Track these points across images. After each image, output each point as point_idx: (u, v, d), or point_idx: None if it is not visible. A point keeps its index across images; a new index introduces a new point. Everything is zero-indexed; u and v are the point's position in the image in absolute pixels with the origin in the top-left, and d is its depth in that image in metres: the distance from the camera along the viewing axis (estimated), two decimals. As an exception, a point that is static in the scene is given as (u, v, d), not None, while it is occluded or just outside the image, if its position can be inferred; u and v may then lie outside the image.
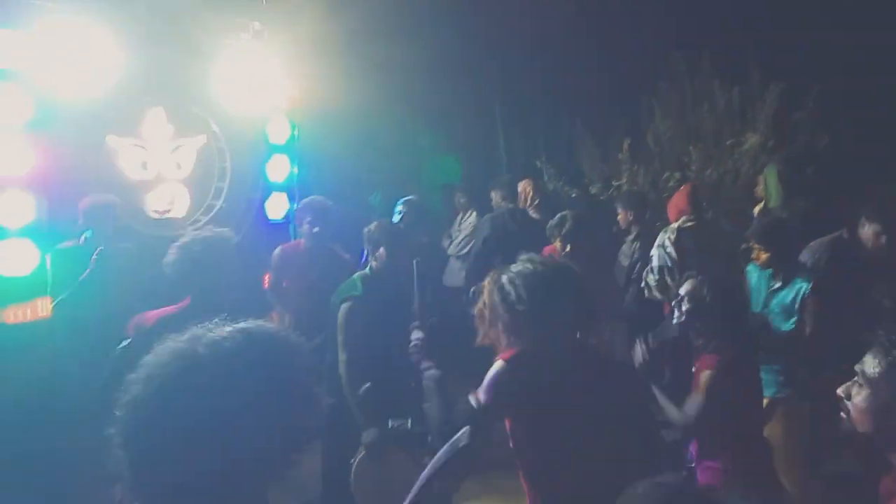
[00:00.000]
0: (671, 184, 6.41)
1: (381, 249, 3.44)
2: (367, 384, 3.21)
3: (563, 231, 4.16)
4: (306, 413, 1.18)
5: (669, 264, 4.37)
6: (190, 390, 1.09)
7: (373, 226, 3.58)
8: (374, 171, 7.24)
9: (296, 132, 5.59)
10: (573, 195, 6.77)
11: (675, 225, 4.52)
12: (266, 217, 5.41)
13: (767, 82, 5.97)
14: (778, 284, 3.65)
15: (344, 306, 3.35)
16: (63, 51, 4.10)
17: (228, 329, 1.17)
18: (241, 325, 1.18)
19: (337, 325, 3.36)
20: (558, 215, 4.29)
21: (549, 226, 4.26)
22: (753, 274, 3.84)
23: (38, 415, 3.62)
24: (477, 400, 2.01)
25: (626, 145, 6.42)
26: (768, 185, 4.67)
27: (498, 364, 2.04)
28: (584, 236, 4.19)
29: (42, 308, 4.11)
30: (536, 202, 5.31)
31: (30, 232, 4.05)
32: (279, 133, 5.45)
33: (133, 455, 1.09)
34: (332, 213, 4.44)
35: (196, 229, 4.95)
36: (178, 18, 4.78)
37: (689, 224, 4.45)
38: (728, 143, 6.27)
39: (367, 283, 3.42)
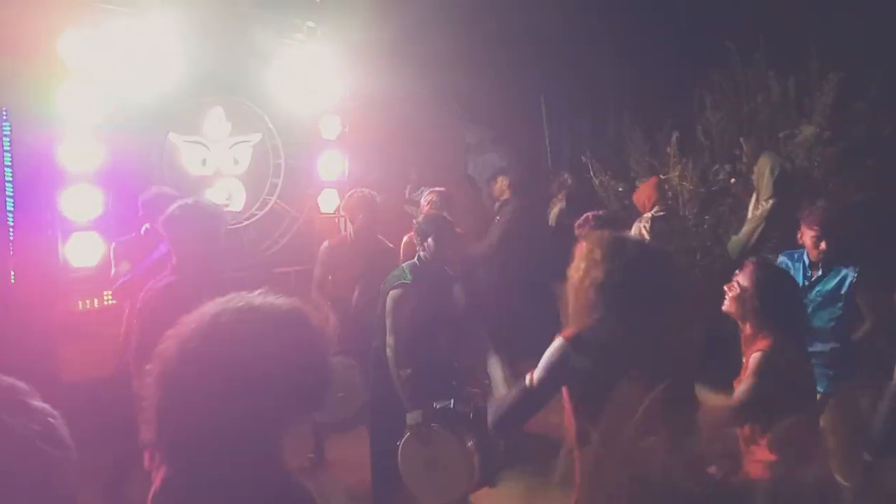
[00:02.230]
0: (721, 177, 6.30)
1: (430, 240, 3.51)
2: (409, 370, 3.36)
3: (586, 231, 4.18)
4: (317, 377, 1.29)
5: None
6: (215, 353, 1.21)
7: (422, 217, 3.66)
8: (421, 166, 7.32)
9: (346, 128, 5.70)
10: (619, 189, 6.71)
11: (648, 215, 4.98)
12: (319, 211, 5.53)
13: (826, 71, 5.79)
14: (819, 273, 3.58)
15: (393, 293, 3.47)
16: (128, 51, 4.29)
17: (252, 299, 1.29)
18: (261, 295, 1.31)
19: (385, 310, 3.46)
20: (583, 215, 4.31)
21: (576, 224, 4.29)
22: (788, 264, 3.76)
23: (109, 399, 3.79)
24: (531, 380, 2.04)
25: (674, 138, 6.33)
26: (761, 176, 4.65)
27: (558, 342, 2.03)
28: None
29: (108, 297, 4.31)
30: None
31: (97, 225, 4.25)
32: (331, 129, 5.57)
33: (162, 401, 1.21)
34: (377, 205, 4.51)
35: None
36: (236, 19, 4.94)
37: (661, 214, 4.96)
38: (781, 134, 6.11)
39: (416, 272, 3.51)
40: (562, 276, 2.14)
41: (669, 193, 6.18)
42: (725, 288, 2.71)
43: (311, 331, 1.31)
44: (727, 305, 2.69)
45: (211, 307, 1.28)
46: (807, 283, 3.63)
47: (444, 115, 7.90)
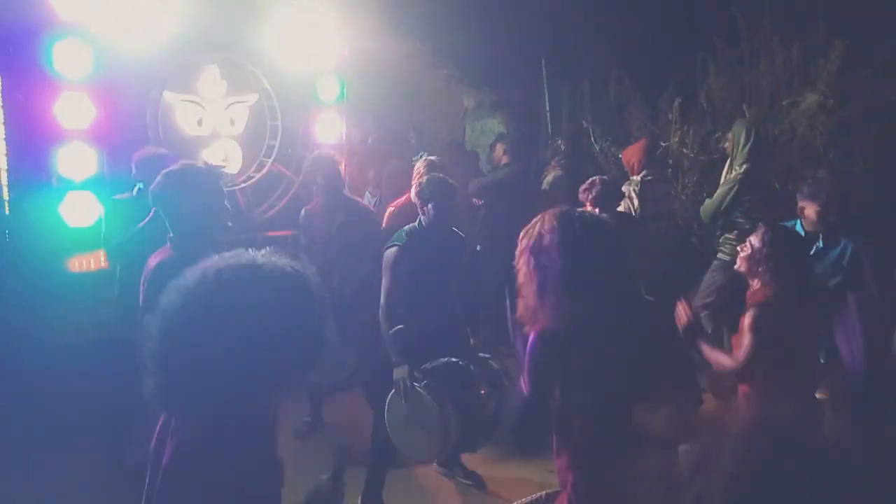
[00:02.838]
0: (722, 145, 6.25)
1: (430, 206, 3.49)
2: (400, 326, 3.41)
3: (592, 195, 4.18)
4: (313, 337, 1.33)
5: (634, 214, 4.87)
6: (217, 305, 1.23)
7: (424, 181, 3.62)
8: (420, 130, 7.23)
9: (344, 90, 5.60)
10: (620, 156, 6.66)
11: (637, 178, 5.00)
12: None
13: (831, 38, 5.71)
14: (819, 246, 3.59)
15: (388, 252, 3.51)
16: (122, 6, 4.18)
17: (253, 256, 1.31)
18: (263, 255, 1.33)
19: (383, 271, 3.48)
20: (589, 180, 4.29)
21: (580, 189, 4.28)
22: None
23: (105, 357, 3.78)
24: (525, 388, 1.99)
25: (676, 104, 6.26)
26: (736, 143, 4.68)
27: (531, 340, 1.95)
28: (612, 201, 4.26)
29: (104, 257, 4.27)
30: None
31: (91, 184, 4.19)
32: (328, 91, 5.47)
33: (163, 351, 1.23)
34: (337, 166, 4.45)
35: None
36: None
37: (650, 178, 5.00)
38: (785, 102, 6.05)
39: (413, 235, 3.51)
40: None
41: (669, 161, 6.16)
42: (738, 248, 2.79)
43: (310, 291, 1.33)
44: (739, 264, 2.76)
45: (215, 261, 1.29)
46: None
47: (443, 78, 7.78)
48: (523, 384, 2.00)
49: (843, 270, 3.55)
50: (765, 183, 4.70)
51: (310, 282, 1.34)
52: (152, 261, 2.66)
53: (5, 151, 4.14)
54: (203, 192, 2.58)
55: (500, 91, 7.90)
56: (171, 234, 2.63)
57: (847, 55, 5.62)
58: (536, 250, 1.96)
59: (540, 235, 1.98)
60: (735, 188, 4.56)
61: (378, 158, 6.22)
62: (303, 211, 4.54)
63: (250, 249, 1.35)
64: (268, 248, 1.37)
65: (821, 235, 3.61)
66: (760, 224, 2.80)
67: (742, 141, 4.68)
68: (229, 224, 2.84)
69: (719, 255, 4.72)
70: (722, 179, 4.85)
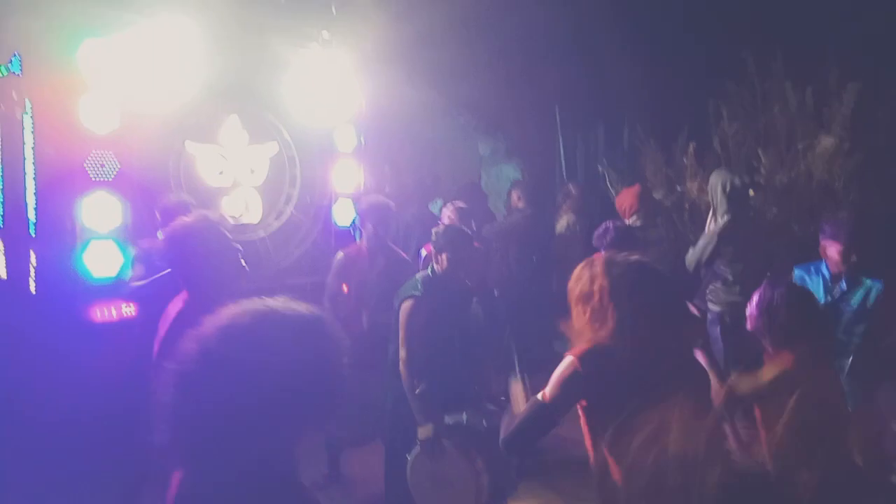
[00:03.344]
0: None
1: (444, 255, 3.49)
2: (423, 385, 3.33)
3: (607, 241, 4.16)
4: (333, 386, 1.29)
5: None
6: (234, 354, 1.21)
7: (440, 229, 3.63)
8: (436, 177, 7.31)
9: (362, 139, 5.70)
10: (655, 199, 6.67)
11: (628, 222, 5.01)
12: (335, 223, 5.52)
13: (845, 81, 5.75)
14: (843, 288, 3.51)
15: (405, 304, 3.46)
16: (146, 60, 4.31)
17: (271, 303, 1.29)
18: (283, 301, 1.31)
19: (398, 323, 3.43)
20: (602, 225, 4.29)
21: (595, 235, 4.27)
22: (805, 277, 3.69)
23: (125, 408, 3.76)
24: (544, 397, 2.03)
25: (691, 149, 6.29)
26: (714, 193, 4.67)
27: (568, 360, 2.03)
28: (628, 246, 4.23)
29: (127, 307, 4.30)
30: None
31: (115, 234, 4.25)
32: (346, 140, 5.57)
33: (178, 400, 1.21)
34: (391, 212, 4.49)
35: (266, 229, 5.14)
36: (253, 29, 4.96)
37: (638, 224, 4.99)
38: (800, 145, 6.06)
39: (428, 284, 3.49)
40: (564, 287, 2.16)
41: (686, 206, 6.15)
42: (747, 307, 2.66)
43: (329, 340, 1.31)
44: (749, 324, 2.64)
45: (232, 308, 1.28)
46: (830, 298, 3.56)
47: (458, 126, 7.90)
48: (544, 394, 2.03)
49: (867, 314, 3.47)
50: (747, 233, 4.66)
51: (329, 327, 1.32)
52: (172, 309, 2.66)
53: (35, 204, 4.22)
54: (208, 244, 2.57)
55: (515, 137, 8.00)
56: (185, 285, 2.63)
57: (860, 97, 5.65)
58: (589, 297, 2.03)
59: (591, 281, 2.03)
60: (714, 241, 4.56)
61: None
62: (340, 253, 4.54)
63: (267, 298, 1.33)
64: (285, 296, 1.35)
65: (844, 277, 3.55)
66: (764, 282, 2.68)
67: (719, 191, 4.69)
68: (245, 267, 2.82)
69: (709, 305, 4.65)
70: (706, 229, 4.84)
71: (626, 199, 5.20)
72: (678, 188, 6.54)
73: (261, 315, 1.26)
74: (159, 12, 4.38)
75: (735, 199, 4.59)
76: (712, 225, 4.68)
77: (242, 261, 2.70)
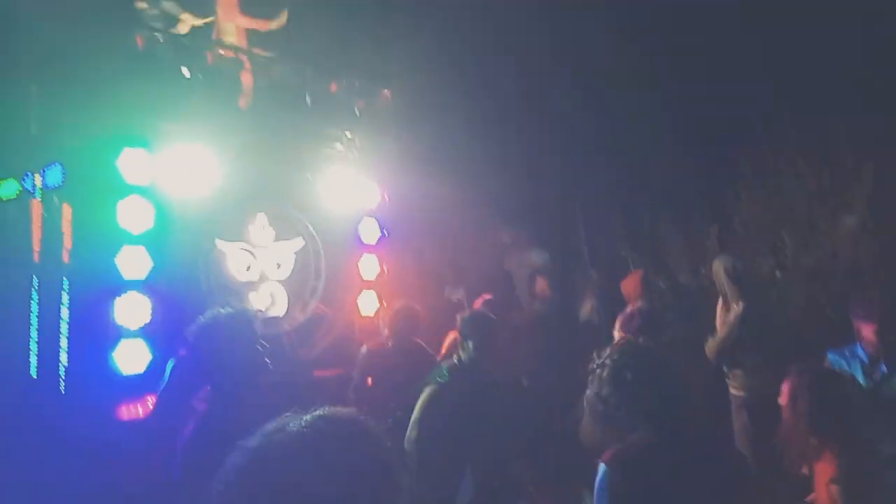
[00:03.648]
0: (764, 270, 6.20)
1: (470, 344, 3.46)
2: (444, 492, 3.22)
3: (634, 326, 4.10)
4: (389, 497, 1.23)
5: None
6: (279, 466, 1.17)
7: (465, 315, 3.63)
8: (458, 266, 7.38)
9: (384, 232, 5.84)
10: (661, 285, 6.63)
11: (631, 308, 4.88)
12: (359, 314, 5.56)
13: (861, 161, 5.79)
14: (882, 370, 3.40)
15: (427, 389, 3.42)
16: (181, 165, 4.54)
17: (310, 417, 1.25)
18: (322, 412, 1.26)
19: (417, 404, 3.39)
20: (628, 310, 4.24)
21: (621, 320, 4.22)
22: (840, 362, 3.57)
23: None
24: None
25: (714, 231, 6.31)
26: (720, 281, 4.58)
27: (601, 469, 1.93)
28: (655, 330, 4.16)
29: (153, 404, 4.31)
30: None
31: (145, 332, 4.33)
32: (370, 233, 5.71)
33: None
34: (419, 317, 4.53)
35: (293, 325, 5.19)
36: (280, 132, 5.22)
37: (643, 307, 4.78)
38: (823, 226, 6.04)
39: (454, 373, 3.44)
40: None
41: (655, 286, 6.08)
42: (779, 401, 2.58)
43: (376, 442, 1.26)
44: (784, 415, 2.55)
45: (281, 420, 1.25)
46: (871, 382, 3.45)
47: (479, 216, 8.04)
48: None
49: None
50: (764, 317, 4.57)
51: (375, 429, 1.28)
52: (197, 405, 2.66)
53: (68, 303, 4.35)
54: (235, 337, 2.58)
55: (537, 225, 8.10)
56: (211, 379, 2.62)
57: (878, 175, 5.67)
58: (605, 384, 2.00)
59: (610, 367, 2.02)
60: (734, 331, 4.45)
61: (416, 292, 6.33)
62: (364, 348, 4.57)
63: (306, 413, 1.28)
64: (322, 407, 1.30)
65: (882, 359, 3.45)
66: (788, 374, 2.58)
67: (724, 278, 4.63)
68: (268, 364, 2.82)
69: (731, 390, 4.50)
70: (717, 316, 4.76)
71: (630, 284, 5.22)
72: (702, 271, 6.50)
73: (310, 423, 1.23)
74: (193, 121, 4.66)
75: (741, 283, 4.51)
76: (724, 312, 4.60)
77: (267, 359, 2.71)
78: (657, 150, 7.24)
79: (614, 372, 2.01)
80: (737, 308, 4.44)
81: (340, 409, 1.29)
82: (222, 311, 2.72)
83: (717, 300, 6.13)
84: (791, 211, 6.22)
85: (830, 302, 5.57)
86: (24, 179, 5.05)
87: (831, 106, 6.05)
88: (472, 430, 3.40)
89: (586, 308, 6.32)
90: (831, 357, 3.66)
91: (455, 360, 3.54)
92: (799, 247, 5.92)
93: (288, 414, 1.27)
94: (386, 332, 4.51)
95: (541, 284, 6.23)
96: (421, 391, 3.48)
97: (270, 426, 1.24)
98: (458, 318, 3.67)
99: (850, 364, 3.54)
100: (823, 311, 5.14)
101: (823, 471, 2.38)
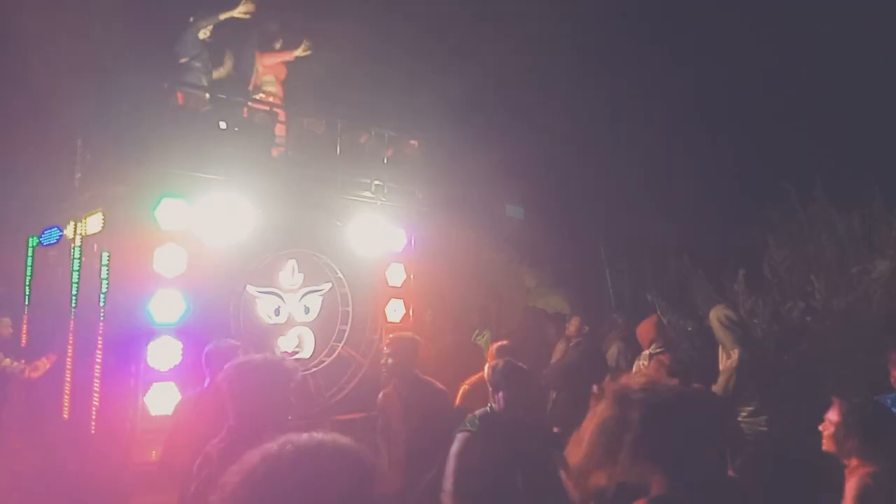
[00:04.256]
0: (794, 314, 6.10)
1: (500, 394, 3.45)
2: None
3: (664, 373, 4.07)
4: None
5: None
6: (277, 483, 1.24)
7: (498, 365, 3.62)
8: (483, 311, 7.41)
9: (410, 275, 5.91)
10: (689, 329, 6.57)
11: (646, 352, 5.05)
12: (385, 357, 5.58)
13: (891, 205, 5.74)
14: None
15: (459, 436, 3.37)
16: (214, 214, 4.70)
17: (315, 436, 1.32)
18: (323, 435, 1.33)
19: (450, 454, 3.37)
20: (657, 359, 4.23)
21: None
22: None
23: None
24: None
25: (741, 276, 6.25)
26: (716, 330, 4.65)
27: None
28: (684, 376, 4.14)
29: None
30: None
31: (174, 375, 4.42)
32: (396, 277, 5.79)
33: None
34: (416, 348, 4.48)
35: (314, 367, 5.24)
36: (310, 181, 5.39)
37: (659, 350, 4.95)
38: (854, 270, 5.95)
39: (485, 421, 3.42)
40: None
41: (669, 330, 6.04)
42: (820, 428, 2.63)
43: (366, 470, 1.32)
44: (825, 444, 2.60)
45: (277, 440, 1.32)
46: None
47: (504, 260, 8.10)
48: None
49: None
50: (764, 364, 4.55)
51: (367, 459, 1.33)
52: (212, 451, 2.67)
53: (102, 346, 4.48)
54: (268, 386, 2.58)
55: (561, 269, 8.12)
56: (231, 423, 2.62)
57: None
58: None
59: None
60: (733, 376, 4.46)
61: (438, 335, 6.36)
62: (381, 393, 4.56)
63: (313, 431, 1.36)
64: (335, 432, 1.38)
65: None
66: (835, 398, 2.66)
67: (718, 327, 4.66)
68: (289, 418, 2.83)
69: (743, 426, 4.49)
70: (720, 366, 4.76)
71: (644, 329, 5.27)
72: (727, 315, 6.42)
73: (304, 447, 1.29)
74: (228, 170, 4.84)
75: (734, 331, 4.55)
76: (724, 359, 4.63)
77: (291, 398, 2.73)
78: (685, 195, 7.26)
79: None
80: (734, 355, 4.49)
81: (340, 436, 1.34)
82: (257, 356, 2.75)
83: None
84: (820, 256, 6.15)
85: (865, 347, 5.45)
86: (66, 226, 5.28)
87: (861, 149, 6.04)
88: (507, 480, 3.36)
89: (612, 352, 6.27)
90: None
91: (488, 409, 3.53)
92: (829, 290, 5.83)
93: (290, 434, 1.33)
94: (388, 360, 4.46)
95: (573, 325, 6.22)
96: (454, 436, 3.46)
97: (269, 445, 1.30)
98: (488, 367, 3.66)
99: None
100: (857, 355, 5.02)
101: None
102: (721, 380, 4.57)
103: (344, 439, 1.34)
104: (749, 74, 7.05)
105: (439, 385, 4.46)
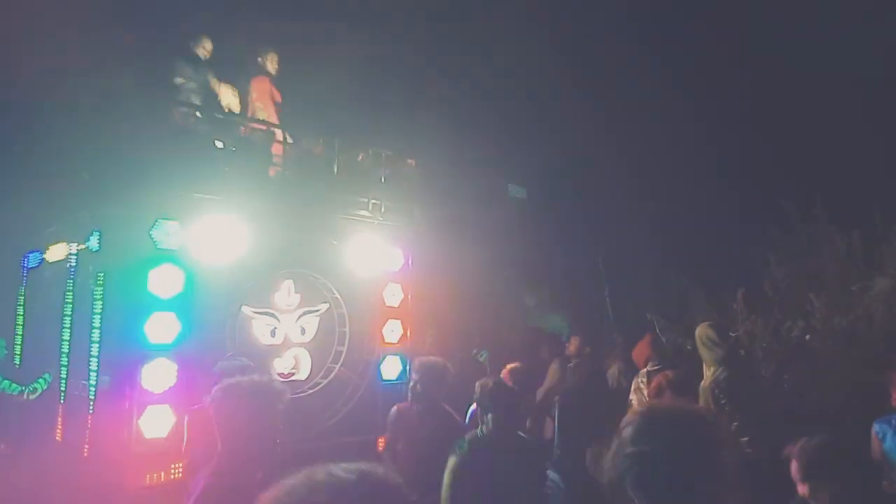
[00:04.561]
0: (794, 333, 6.06)
1: (488, 417, 3.42)
2: None
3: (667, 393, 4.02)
4: None
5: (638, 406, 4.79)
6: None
7: (488, 387, 3.58)
8: (482, 330, 7.37)
9: (408, 296, 5.88)
10: (689, 347, 6.51)
11: (644, 370, 5.10)
12: (381, 378, 5.55)
13: (891, 222, 5.72)
14: None
15: (450, 462, 3.35)
16: (210, 234, 4.68)
17: (344, 467, 1.27)
18: (355, 465, 1.28)
19: (444, 477, 3.34)
20: (661, 375, 4.18)
21: (652, 387, 4.16)
22: (887, 432, 3.44)
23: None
24: None
25: (740, 295, 6.21)
26: (699, 349, 4.58)
27: None
28: (687, 395, 4.09)
29: (175, 471, 4.32)
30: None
31: (169, 397, 4.38)
32: (393, 297, 5.76)
33: None
34: (445, 374, 4.46)
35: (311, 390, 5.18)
36: (307, 201, 5.38)
37: (656, 367, 5.01)
38: (854, 287, 5.92)
39: (475, 445, 3.39)
40: None
41: (742, 351, 5.99)
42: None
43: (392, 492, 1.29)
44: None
45: (291, 478, 1.28)
46: None
47: (502, 279, 8.07)
48: None
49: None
50: (745, 385, 4.48)
51: (389, 482, 1.29)
52: (201, 479, 2.61)
53: (96, 368, 4.44)
54: (254, 410, 2.48)
55: (560, 288, 8.09)
56: (220, 447, 2.51)
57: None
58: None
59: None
60: (707, 396, 4.39)
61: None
62: (395, 409, 4.49)
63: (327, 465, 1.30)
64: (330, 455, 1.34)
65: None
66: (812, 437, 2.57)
67: (700, 346, 4.64)
68: (277, 441, 2.77)
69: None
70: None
71: (640, 350, 5.28)
72: (731, 334, 6.37)
73: (318, 484, 1.25)
74: (224, 190, 4.83)
75: (714, 350, 4.48)
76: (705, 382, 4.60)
77: (278, 423, 2.68)
78: (685, 214, 7.25)
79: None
80: (707, 375, 4.45)
81: (357, 465, 1.31)
82: (245, 379, 2.67)
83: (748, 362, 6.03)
84: (821, 274, 6.12)
85: (867, 366, 5.40)
86: (47, 249, 5.26)
87: (861, 166, 6.04)
88: (499, 499, 3.33)
89: (612, 372, 6.21)
90: (877, 427, 3.53)
91: (477, 432, 3.50)
92: (830, 308, 5.79)
93: (305, 469, 1.30)
94: (414, 386, 4.41)
95: (573, 345, 6.15)
96: (446, 459, 3.43)
97: (283, 483, 1.27)
98: (478, 387, 3.62)
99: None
100: (859, 374, 4.97)
101: None
102: (700, 400, 4.53)
103: (363, 468, 1.29)
104: (749, 91, 7.08)
105: (457, 418, 4.40)
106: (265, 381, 2.69)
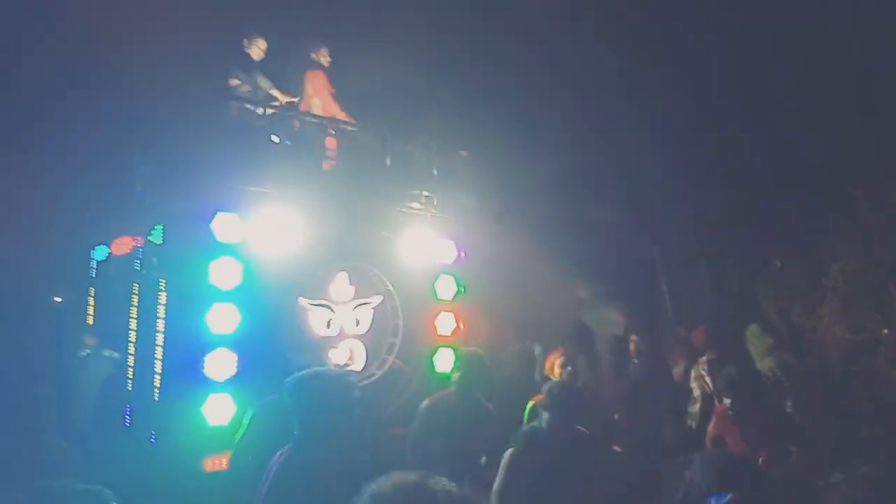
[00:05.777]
0: (870, 324, 5.78)
1: (546, 414, 3.41)
2: None
3: (723, 387, 3.88)
4: None
5: (709, 391, 4.96)
6: None
7: (552, 388, 3.56)
8: (536, 323, 7.28)
9: (462, 288, 5.87)
10: (769, 341, 6.25)
11: (703, 359, 5.17)
12: (434, 370, 5.55)
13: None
14: None
15: (507, 453, 3.37)
16: (267, 227, 4.77)
17: (424, 479, 1.34)
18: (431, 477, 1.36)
19: (499, 469, 3.37)
20: (724, 371, 4.02)
21: (721, 385, 4.01)
22: None
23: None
24: None
25: (805, 283, 5.97)
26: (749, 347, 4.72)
27: None
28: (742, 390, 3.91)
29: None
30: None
31: (230, 385, 4.49)
32: (446, 290, 5.75)
33: None
34: (482, 364, 4.40)
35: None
36: (361, 194, 5.42)
37: (713, 357, 5.10)
38: (933, 278, 5.60)
39: (533, 438, 3.38)
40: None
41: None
42: None
43: None
44: None
45: (386, 481, 1.35)
46: None
47: (555, 272, 7.96)
48: None
49: None
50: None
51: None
52: (277, 458, 2.70)
53: (162, 357, 4.59)
54: (334, 396, 2.65)
55: (615, 280, 7.93)
56: (297, 433, 2.67)
57: None
58: None
59: None
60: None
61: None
62: (426, 401, 4.48)
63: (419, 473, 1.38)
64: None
65: None
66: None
67: (749, 346, 4.56)
68: (355, 431, 2.85)
69: None
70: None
71: (700, 336, 5.38)
72: (793, 321, 6.14)
73: (412, 491, 1.32)
74: (280, 184, 4.92)
75: (765, 340, 4.61)
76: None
77: (357, 410, 2.76)
78: (747, 204, 7.00)
79: None
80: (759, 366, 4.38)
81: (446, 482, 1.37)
82: (325, 370, 2.83)
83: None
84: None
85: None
86: (114, 243, 5.44)
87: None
88: (565, 495, 3.31)
89: (678, 369, 6.01)
90: None
91: (536, 425, 3.50)
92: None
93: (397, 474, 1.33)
94: (454, 375, 4.40)
95: (634, 345, 5.97)
96: (500, 454, 3.44)
97: (377, 485, 1.32)
98: (546, 387, 3.62)
99: None
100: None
101: None
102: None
103: (452, 486, 1.38)
104: (808, 79, 6.76)
105: (488, 406, 4.36)
106: (343, 371, 2.82)
